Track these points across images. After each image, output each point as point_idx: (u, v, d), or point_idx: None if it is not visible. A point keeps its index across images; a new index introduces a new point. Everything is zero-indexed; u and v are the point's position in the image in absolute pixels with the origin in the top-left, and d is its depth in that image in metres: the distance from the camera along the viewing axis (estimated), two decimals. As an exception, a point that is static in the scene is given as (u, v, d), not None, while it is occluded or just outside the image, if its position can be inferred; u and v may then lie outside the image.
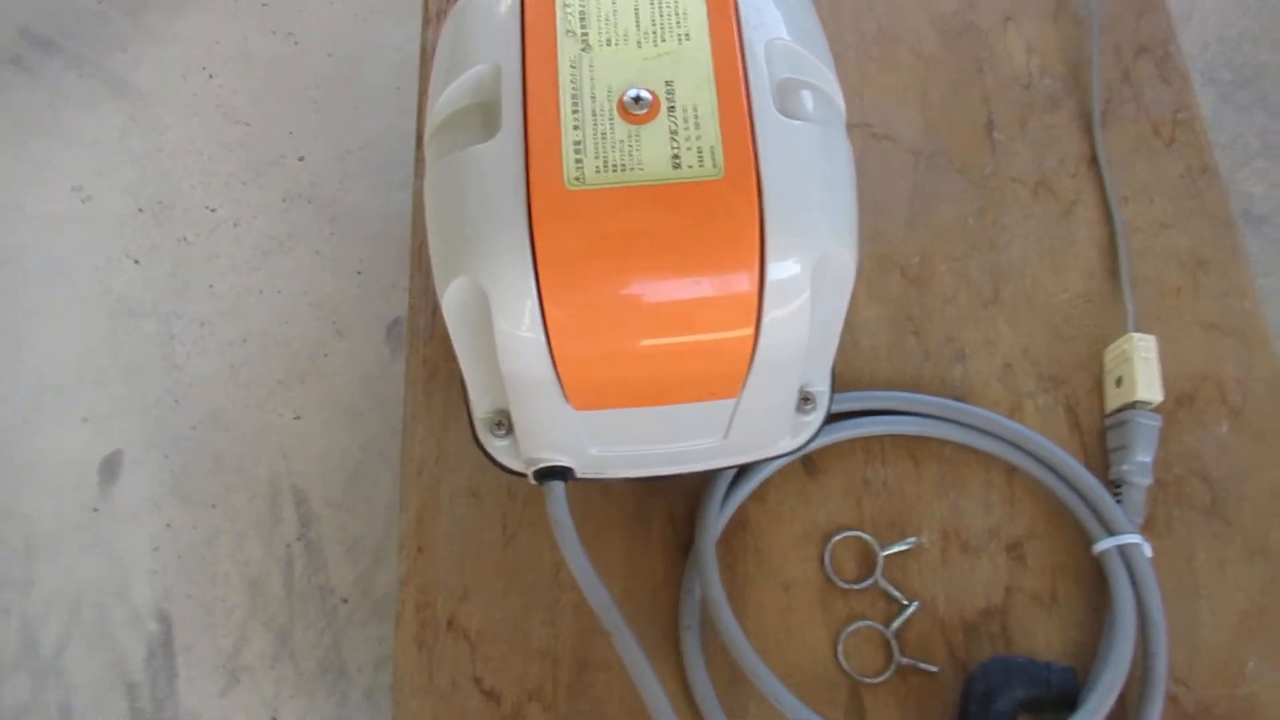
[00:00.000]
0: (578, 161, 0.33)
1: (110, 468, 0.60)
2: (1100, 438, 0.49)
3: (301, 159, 0.69)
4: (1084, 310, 0.52)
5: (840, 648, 0.45)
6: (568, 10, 0.36)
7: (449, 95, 0.37)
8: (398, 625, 0.47)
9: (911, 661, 0.45)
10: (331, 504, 0.60)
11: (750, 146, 0.33)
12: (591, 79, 0.34)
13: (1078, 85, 0.57)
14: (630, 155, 0.33)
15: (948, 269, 0.53)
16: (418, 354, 0.51)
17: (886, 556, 0.47)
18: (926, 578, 0.47)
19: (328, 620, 0.56)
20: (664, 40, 0.35)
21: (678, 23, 0.35)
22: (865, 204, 0.52)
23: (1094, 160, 0.55)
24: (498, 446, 0.44)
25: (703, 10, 0.36)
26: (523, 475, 0.42)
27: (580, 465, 0.42)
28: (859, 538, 0.47)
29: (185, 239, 0.67)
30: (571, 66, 0.35)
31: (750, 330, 0.34)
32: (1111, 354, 0.50)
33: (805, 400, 0.44)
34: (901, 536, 0.47)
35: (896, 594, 0.46)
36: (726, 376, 0.36)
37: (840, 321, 0.39)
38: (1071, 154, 0.55)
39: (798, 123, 0.35)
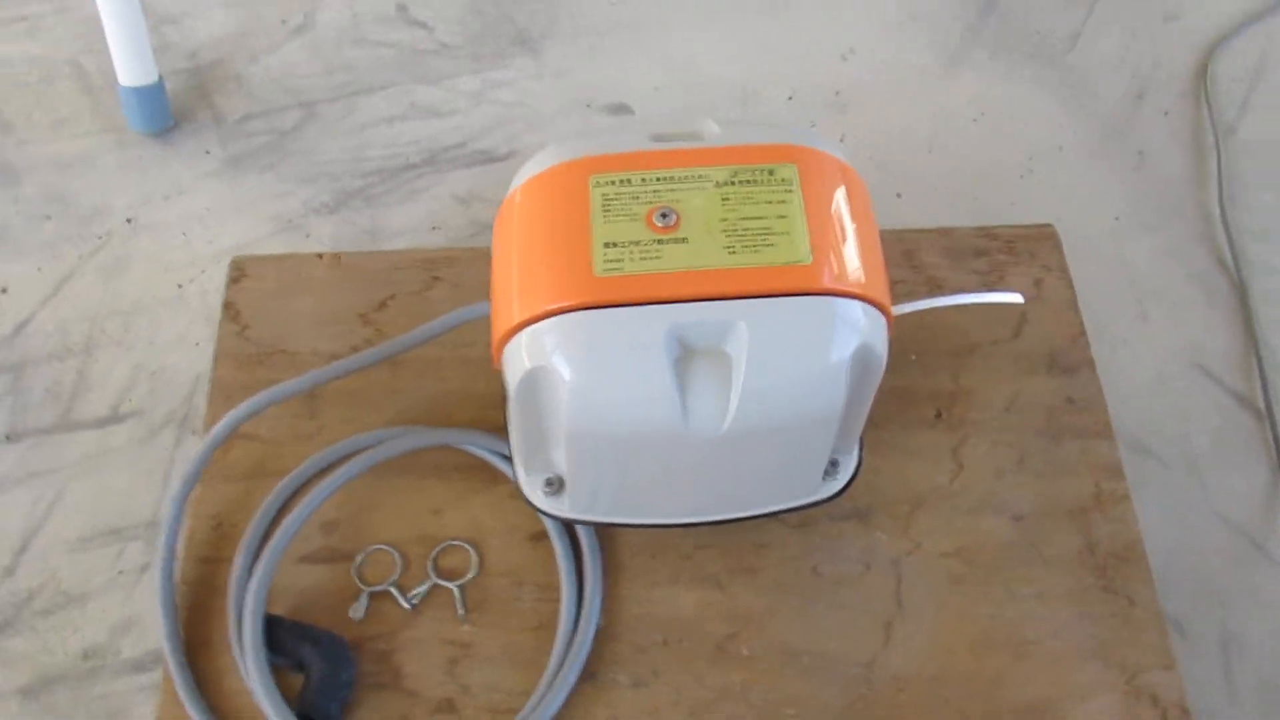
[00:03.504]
0: (605, 205, 0.45)
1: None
2: None
3: None
4: None
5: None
6: (748, 169, 0.45)
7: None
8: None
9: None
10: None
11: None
12: (678, 189, 0.45)
13: None
14: (616, 234, 0.44)
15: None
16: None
17: (461, 586, 0.56)
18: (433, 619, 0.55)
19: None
20: (727, 232, 0.44)
21: (752, 241, 0.43)
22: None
23: None
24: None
25: (768, 262, 0.43)
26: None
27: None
28: (466, 553, 0.56)
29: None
30: (690, 177, 0.45)
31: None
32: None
33: (549, 484, 0.53)
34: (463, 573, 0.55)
35: (403, 594, 0.56)
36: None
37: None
38: None
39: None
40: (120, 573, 0.67)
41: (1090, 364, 0.62)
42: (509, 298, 0.45)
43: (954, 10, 0.93)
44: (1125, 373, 0.74)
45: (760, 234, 0.44)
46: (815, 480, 0.52)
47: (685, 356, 0.43)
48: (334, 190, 0.81)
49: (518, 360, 0.44)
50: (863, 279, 0.44)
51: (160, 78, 0.81)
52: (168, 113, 0.82)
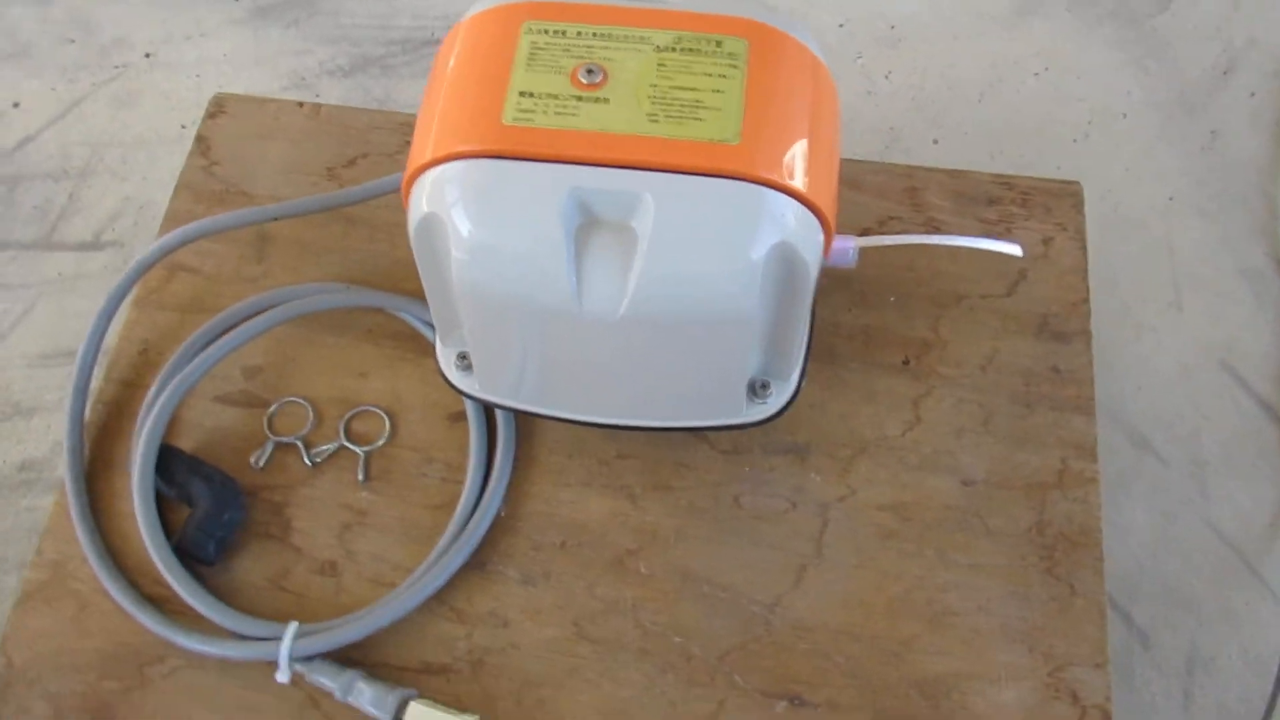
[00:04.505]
0: (532, 54, 0.41)
1: None
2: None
3: None
4: None
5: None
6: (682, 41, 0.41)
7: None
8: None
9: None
10: None
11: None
12: (614, 48, 0.41)
13: None
14: (534, 84, 0.41)
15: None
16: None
17: (368, 452, 0.54)
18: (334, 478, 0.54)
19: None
20: (654, 100, 0.40)
21: (678, 111, 0.39)
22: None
23: None
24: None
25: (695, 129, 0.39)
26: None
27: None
28: (380, 420, 0.54)
29: None
30: (630, 37, 0.41)
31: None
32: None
33: (461, 358, 0.50)
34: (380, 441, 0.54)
35: (318, 449, 0.54)
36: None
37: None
38: None
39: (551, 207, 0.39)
40: (71, 395, 0.67)
41: (1086, 335, 0.57)
42: (424, 138, 0.42)
43: (1039, -44, 0.85)
44: (1144, 360, 0.68)
45: (690, 106, 0.40)
46: (738, 398, 0.48)
47: (587, 226, 0.40)
48: (353, 55, 0.79)
49: (417, 205, 0.41)
50: (797, 174, 0.40)
51: (199, -85, 0.80)
52: (202, -47, 0.81)
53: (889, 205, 0.61)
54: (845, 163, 0.63)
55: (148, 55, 0.79)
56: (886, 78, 0.79)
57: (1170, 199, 0.74)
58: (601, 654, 0.50)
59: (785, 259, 0.40)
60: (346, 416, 0.55)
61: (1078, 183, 0.61)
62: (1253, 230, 0.72)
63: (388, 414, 0.55)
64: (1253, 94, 0.78)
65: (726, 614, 0.51)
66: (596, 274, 0.40)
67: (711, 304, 0.41)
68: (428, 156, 0.41)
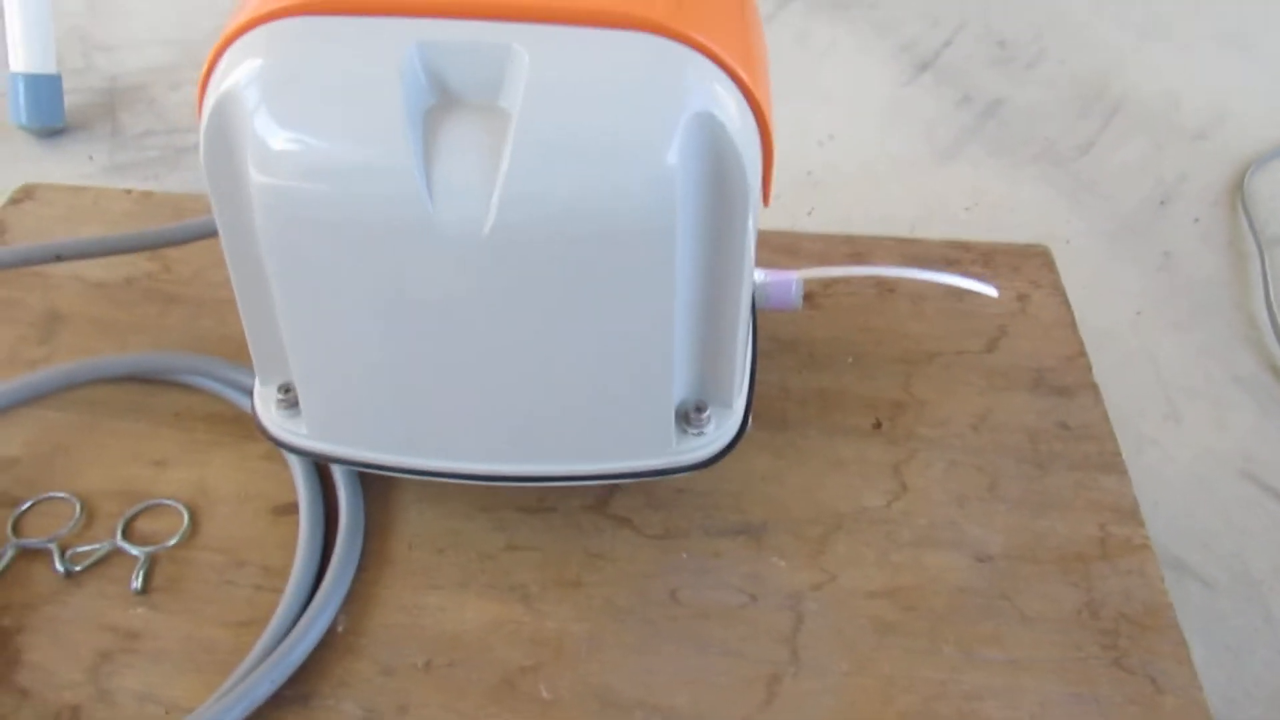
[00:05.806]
0: None
1: None
2: None
3: None
4: None
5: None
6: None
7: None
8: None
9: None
10: None
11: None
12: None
13: None
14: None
15: None
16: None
17: (150, 554, 0.38)
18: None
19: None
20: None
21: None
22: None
23: None
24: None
25: None
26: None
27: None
28: (176, 516, 0.39)
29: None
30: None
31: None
32: None
33: (283, 392, 0.37)
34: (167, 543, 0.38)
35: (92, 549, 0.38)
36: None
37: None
38: None
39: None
40: None
41: (1093, 389, 0.46)
42: (237, 12, 0.32)
43: (947, 111, 0.84)
44: (1153, 475, 0.57)
45: (575, -40, 0.31)
46: (665, 424, 0.35)
47: (441, 109, 0.29)
48: (219, 208, 0.70)
49: (211, 93, 0.30)
50: (722, 38, 0.30)
51: (58, 74, 0.74)
52: (59, 112, 0.74)
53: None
54: (775, 232, 0.55)
55: (-24, 212, 0.69)
56: (809, 214, 0.73)
57: (1138, 313, 0.66)
58: (480, 821, 0.32)
59: (711, 145, 0.30)
60: (128, 513, 0.39)
61: (1045, 246, 0.53)
62: (1235, 340, 0.64)
63: (188, 508, 0.40)
64: (1197, 220, 0.73)
65: (669, 751, 0.34)
66: (452, 166, 0.29)
67: (613, 209, 0.29)
68: (231, 27, 0.30)
